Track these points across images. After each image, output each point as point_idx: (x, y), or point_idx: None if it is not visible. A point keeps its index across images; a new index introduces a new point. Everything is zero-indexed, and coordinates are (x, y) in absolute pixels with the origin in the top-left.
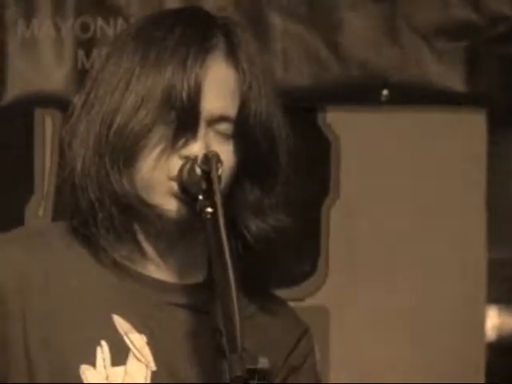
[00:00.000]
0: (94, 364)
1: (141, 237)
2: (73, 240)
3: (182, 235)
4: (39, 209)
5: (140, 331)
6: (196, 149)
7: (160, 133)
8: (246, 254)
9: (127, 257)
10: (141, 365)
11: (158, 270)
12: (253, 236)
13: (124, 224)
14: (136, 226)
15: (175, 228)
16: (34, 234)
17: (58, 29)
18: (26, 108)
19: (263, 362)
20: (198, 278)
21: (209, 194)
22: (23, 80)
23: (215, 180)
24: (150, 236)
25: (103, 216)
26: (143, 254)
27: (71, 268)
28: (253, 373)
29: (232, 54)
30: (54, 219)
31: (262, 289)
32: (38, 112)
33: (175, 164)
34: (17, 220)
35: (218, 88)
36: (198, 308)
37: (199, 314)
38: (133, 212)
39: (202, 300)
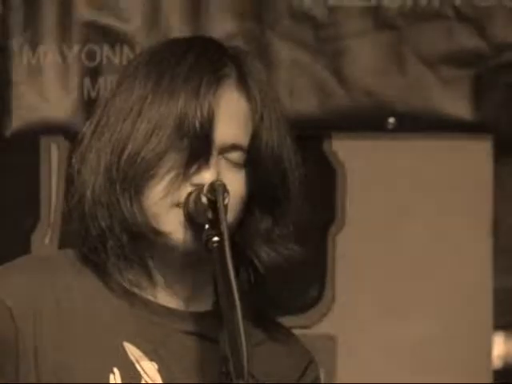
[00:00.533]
0: None
1: (151, 264)
2: (82, 267)
3: (191, 263)
4: (45, 237)
5: (151, 359)
6: (208, 177)
7: (172, 160)
8: (255, 282)
9: (137, 284)
10: None
11: (167, 297)
12: (263, 265)
13: (134, 251)
14: (146, 254)
15: (184, 256)
16: (43, 260)
17: (63, 57)
18: (32, 136)
19: None
20: (207, 305)
21: (215, 222)
22: (29, 108)
23: (221, 209)
24: (159, 263)
25: (113, 243)
26: (153, 281)
27: (82, 295)
28: None
29: (244, 84)
30: (60, 247)
31: (268, 317)
32: (43, 140)
33: (186, 192)
34: (23, 248)
35: (231, 117)
36: (207, 336)
37: (208, 341)
38: (143, 239)
39: (211, 328)
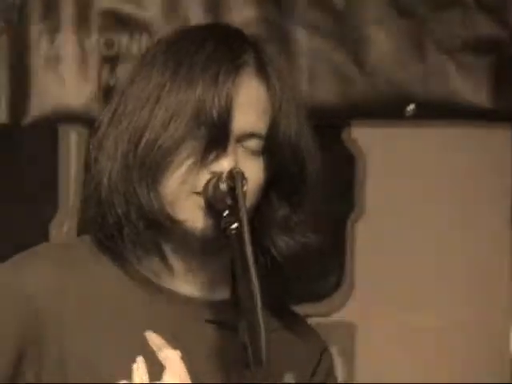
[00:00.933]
0: (131, 380)
1: (167, 252)
2: (100, 254)
3: (209, 251)
4: (64, 225)
5: (173, 346)
6: (226, 165)
7: (189, 148)
8: (271, 270)
9: (154, 272)
10: (176, 380)
11: (184, 285)
12: (280, 253)
13: (150, 239)
14: (163, 241)
15: (201, 243)
16: (62, 247)
17: (82, 45)
18: (51, 125)
19: (289, 378)
20: (225, 293)
21: (234, 210)
22: (47, 96)
23: (240, 197)
24: (176, 251)
25: (129, 230)
26: (171, 269)
27: (101, 282)
28: None
29: (263, 72)
30: (78, 235)
31: (283, 305)
32: (62, 128)
33: (204, 180)
34: (41, 237)
35: (249, 105)
36: (226, 323)
37: (227, 329)
38: (160, 227)
39: (230, 315)
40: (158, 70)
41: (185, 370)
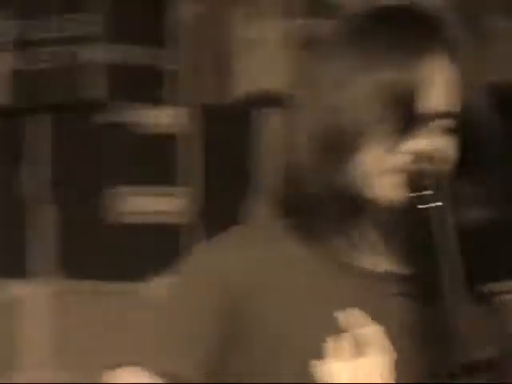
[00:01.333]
0: (334, 358)
1: (357, 229)
2: (289, 234)
3: (397, 228)
4: (255, 207)
5: (373, 323)
6: (420, 144)
7: (382, 129)
8: (462, 247)
9: (343, 249)
10: (381, 355)
11: (372, 261)
12: (469, 230)
13: (340, 217)
14: (355, 220)
15: (391, 221)
16: (253, 229)
17: (283, 29)
18: (250, 106)
19: (490, 350)
20: (411, 267)
21: (429, 189)
22: (248, 79)
23: (433, 176)
24: (367, 228)
25: (321, 210)
26: (360, 246)
27: (291, 261)
28: (480, 363)
29: (451, 52)
30: (269, 217)
31: (472, 282)
32: (260, 111)
33: (398, 159)
34: (233, 219)
35: (441, 85)
36: (416, 297)
37: (416, 303)
38: (352, 206)
39: (418, 289)
40: (350, 51)
41: (390, 345)
